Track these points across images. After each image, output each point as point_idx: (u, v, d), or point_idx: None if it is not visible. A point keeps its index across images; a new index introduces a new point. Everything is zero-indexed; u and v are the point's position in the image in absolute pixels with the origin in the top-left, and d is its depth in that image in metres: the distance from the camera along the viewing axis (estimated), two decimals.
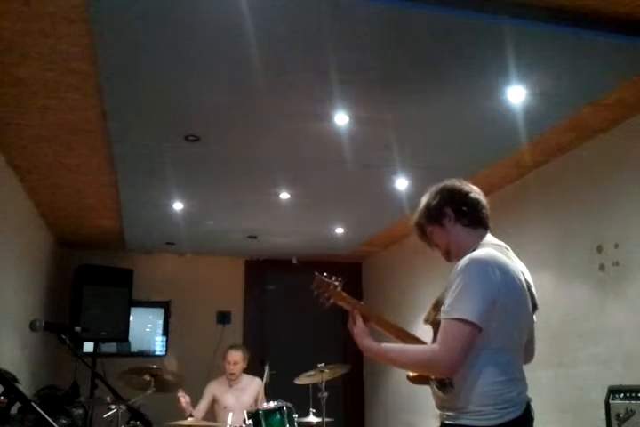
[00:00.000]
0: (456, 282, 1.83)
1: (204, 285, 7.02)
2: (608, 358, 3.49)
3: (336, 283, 2.19)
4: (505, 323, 1.83)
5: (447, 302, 1.83)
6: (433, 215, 2.06)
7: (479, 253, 1.89)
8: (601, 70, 2.89)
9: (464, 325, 1.76)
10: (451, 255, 2.05)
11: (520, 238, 4.20)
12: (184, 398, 4.35)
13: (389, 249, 6.73)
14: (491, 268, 1.83)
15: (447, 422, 1.88)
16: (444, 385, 1.89)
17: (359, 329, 2.03)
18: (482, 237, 2.01)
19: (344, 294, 2.18)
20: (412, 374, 2.12)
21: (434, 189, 2.11)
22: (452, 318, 1.78)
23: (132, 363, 5.91)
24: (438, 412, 1.99)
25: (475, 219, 2.03)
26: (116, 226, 5.76)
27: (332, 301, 2.17)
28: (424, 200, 2.11)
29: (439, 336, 1.82)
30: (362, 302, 2.20)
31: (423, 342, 2.14)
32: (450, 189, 2.08)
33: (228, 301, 7.18)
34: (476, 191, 2.09)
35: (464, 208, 2.03)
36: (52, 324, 2.40)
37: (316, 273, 2.21)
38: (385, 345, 1.99)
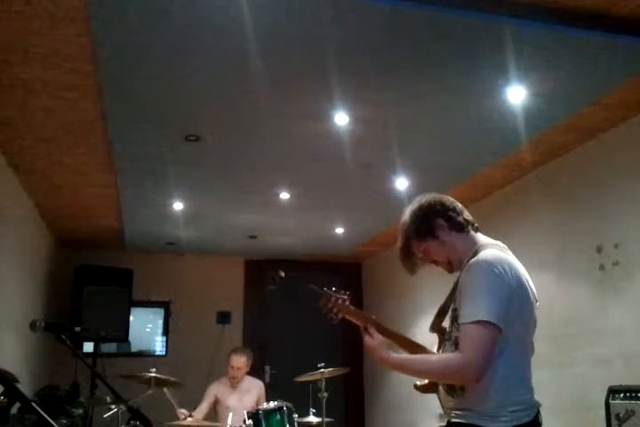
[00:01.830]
0: (469, 285, 1.81)
1: (204, 285, 7.02)
2: (608, 358, 3.49)
3: (344, 297, 2.17)
4: (519, 322, 1.82)
5: (463, 306, 1.80)
6: (425, 230, 2.02)
7: (485, 254, 1.87)
8: (601, 70, 2.89)
9: (485, 327, 1.73)
10: (453, 266, 2.03)
11: (520, 238, 4.20)
12: (182, 413, 4.30)
13: (389, 249, 6.72)
14: (501, 267, 1.81)
15: (456, 420, 1.85)
16: (453, 389, 1.86)
17: (377, 342, 1.97)
18: (476, 239, 2.01)
19: (352, 307, 2.16)
20: (419, 383, 2.10)
21: (411, 208, 2.08)
22: (472, 322, 1.74)
23: (132, 363, 5.93)
24: (439, 412, 1.97)
25: (465, 223, 2.02)
26: (116, 226, 5.76)
27: (340, 316, 2.16)
28: (407, 221, 2.07)
29: (461, 342, 1.77)
30: (366, 312, 2.18)
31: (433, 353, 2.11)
32: (429, 201, 2.06)
33: (228, 301, 7.18)
34: (451, 199, 2.09)
35: (452, 214, 2.02)
36: (52, 324, 2.39)
37: (325, 289, 2.19)
38: (405, 356, 1.98)
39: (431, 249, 2.03)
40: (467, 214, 2.06)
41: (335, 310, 2.16)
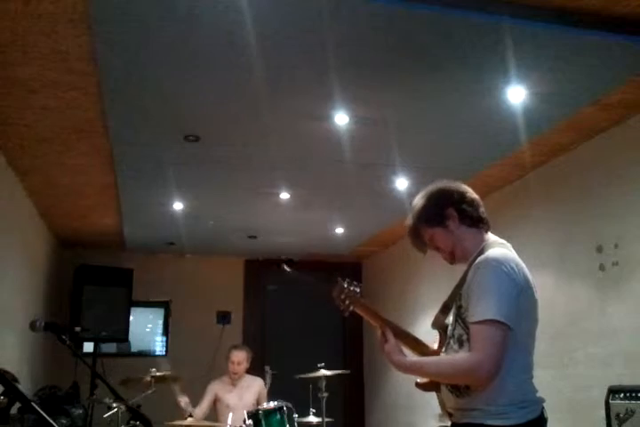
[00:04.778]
0: (478, 284, 1.80)
1: (204, 285, 7.02)
2: (608, 358, 3.49)
3: (357, 289, 2.15)
4: (526, 320, 1.82)
5: (473, 304, 1.79)
6: (435, 218, 1.99)
7: (494, 252, 1.86)
8: (601, 70, 2.89)
9: (495, 326, 1.72)
10: (456, 258, 2.01)
11: (520, 238, 4.19)
12: (183, 400, 4.36)
13: (389, 249, 6.73)
14: (509, 266, 1.81)
15: (463, 420, 1.84)
16: (458, 389, 1.85)
17: (391, 346, 1.98)
18: (485, 236, 2.00)
19: (363, 301, 2.15)
20: (420, 380, 2.09)
21: (428, 191, 2.05)
22: (482, 321, 1.74)
23: (132, 363, 5.93)
24: (439, 412, 1.97)
25: (477, 218, 2.00)
26: (116, 226, 5.76)
27: (352, 308, 2.14)
28: (420, 203, 2.04)
29: (472, 342, 1.77)
30: (375, 307, 2.16)
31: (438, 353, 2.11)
32: (447, 189, 2.03)
33: (228, 301, 7.18)
34: (470, 191, 2.06)
35: (466, 208, 1.99)
36: (51, 324, 2.39)
37: (339, 278, 2.16)
38: (418, 360, 1.98)
39: (437, 237, 2.01)
40: (482, 210, 2.03)
41: (347, 302, 2.13)
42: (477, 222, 2.00)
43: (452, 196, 2.01)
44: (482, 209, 2.04)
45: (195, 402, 4.69)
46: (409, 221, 2.07)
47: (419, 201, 2.05)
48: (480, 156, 4.01)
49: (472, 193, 2.05)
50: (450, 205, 1.99)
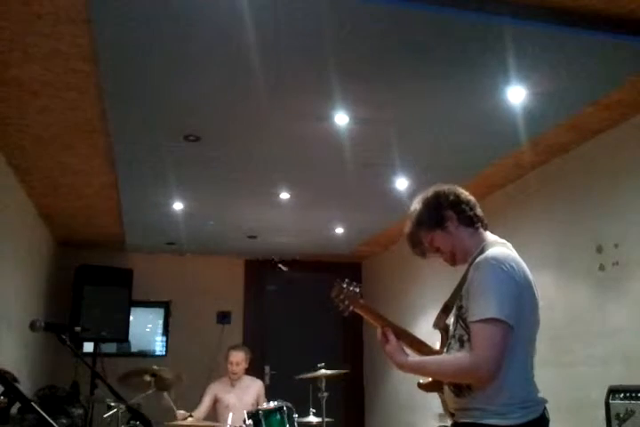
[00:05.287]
0: (478, 283, 1.80)
1: (204, 285, 7.02)
2: (608, 358, 3.49)
3: (357, 290, 2.16)
4: (527, 320, 1.83)
5: (473, 304, 1.79)
6: (434, 220, 2.00)
7: (494, 251, 1.86)
8: (601, 70, 2.89)
9: (496, 325, 1.72)
10: (457, 259, 2.02)
11: (520, 238, 4.18)
12: (180, 414, 4.28)
13: (389, 249, 6.73)
14: (509, 265, 1.81)
15: (465, 420, 1.84)
16: (460, 389, 1.85)
17: (393, 346, 1.99)
18: (484, 236, 2.00)
19: (362, 301, 2.15)
20: (422, 381, 2.09)
21: (424, 196, 2.06)
22: (483, 320, 1.74)
23: (132, 363, 5.92)
24: (439, 412, 1.98)
25: (475, 218, 2.02)
26: (116, 226, 5.76)
27: (351, 309, 2.14)
28: (417, 208, 2.05)
29: (473, 341, 1.77)
30: (375, 308, 2.16)
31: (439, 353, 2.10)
32: (443, 192, 2.04)
33: (227, 301, 7.18)
34: (465, 192, 2.08)
35: (464, 208, 2.01)
36: (52, 324, 2.39)
37: (337, 280, 2.17)
38: (420, 359, 1.98)
39: (437, 239, 2.02)
40: (479, 211, 2.05)
41: (347, 303, 2.14)
42: (476, 222, 2.02)
43: (448, 198, 2.03)
44: (478, 209, 2.06)
45: (194, 403, 4.69)
46: (407, 227, 2.08)
47: (416, 207, 2.07)
48: (480, 156, 4.01)
49: (467, 194, 2.07)
50: (447, 206, 2.01)
